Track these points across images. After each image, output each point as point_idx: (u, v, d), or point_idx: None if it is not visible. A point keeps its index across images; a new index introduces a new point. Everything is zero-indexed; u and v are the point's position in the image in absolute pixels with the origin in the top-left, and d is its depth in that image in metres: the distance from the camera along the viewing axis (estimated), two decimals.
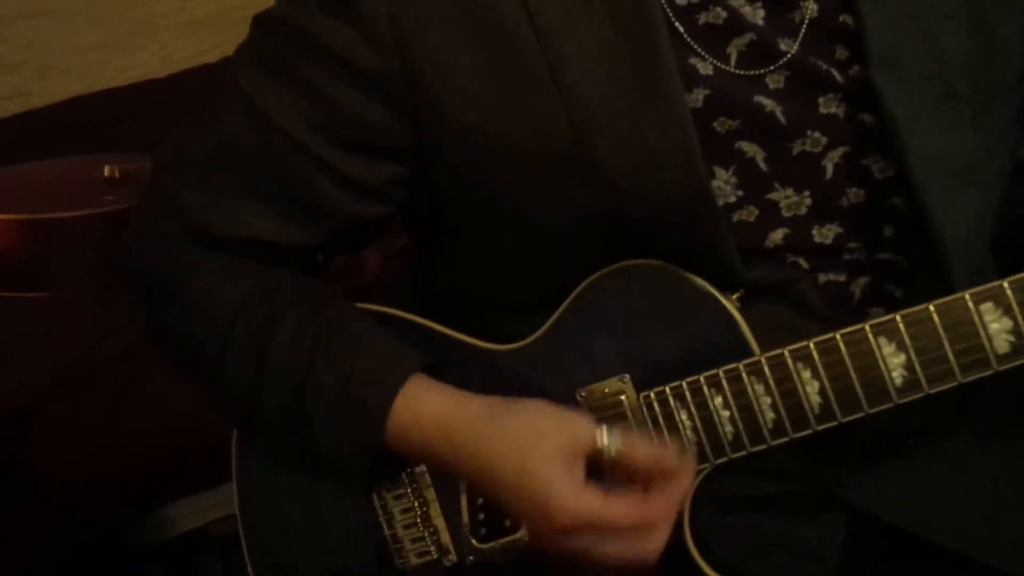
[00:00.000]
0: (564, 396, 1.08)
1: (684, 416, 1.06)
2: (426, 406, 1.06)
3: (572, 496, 1.00)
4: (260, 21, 1.12)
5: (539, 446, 1.01)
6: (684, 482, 1.02)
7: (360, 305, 1.16)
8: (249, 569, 1.22)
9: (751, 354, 1.04)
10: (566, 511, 0.99)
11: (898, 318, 1.00)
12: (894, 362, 1.01)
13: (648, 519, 1.00)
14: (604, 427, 1.02)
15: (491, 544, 1.13)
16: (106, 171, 2.19)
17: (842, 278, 1.10)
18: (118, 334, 1.93)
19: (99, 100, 2.73)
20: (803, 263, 1.09)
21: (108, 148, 2.44)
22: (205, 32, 2.90)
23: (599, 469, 1.02)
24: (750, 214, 1.08)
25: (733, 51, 1.07)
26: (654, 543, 1.01)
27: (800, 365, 1.02)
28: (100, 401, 1.86)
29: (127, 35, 2.85)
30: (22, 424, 1.83)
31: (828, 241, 1.09)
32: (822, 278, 1.09)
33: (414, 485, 1.15)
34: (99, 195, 2.14)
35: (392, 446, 1.07)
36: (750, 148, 1.07)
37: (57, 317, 2.01)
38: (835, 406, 1.02)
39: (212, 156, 1.11)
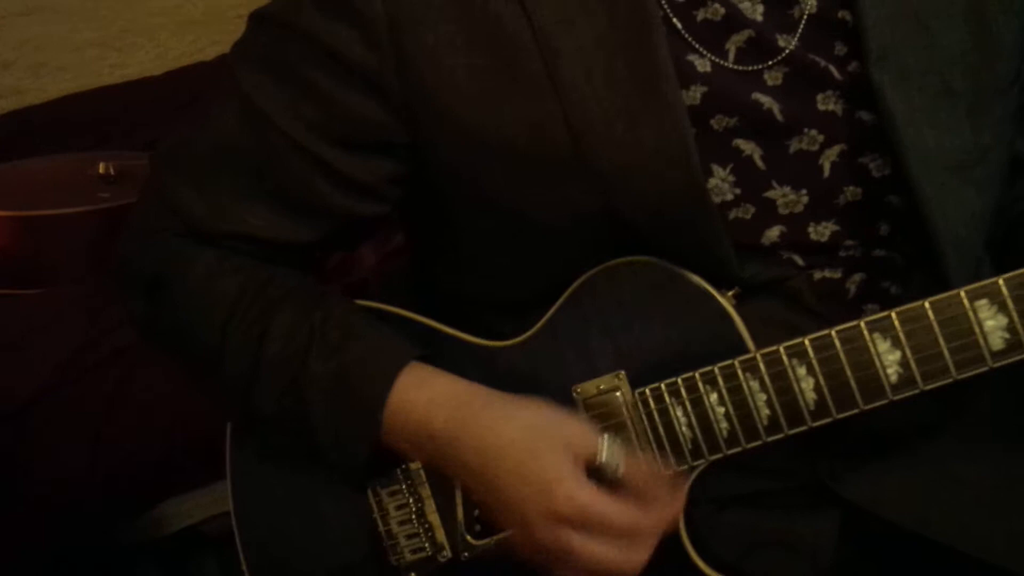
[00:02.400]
0: (560, 393, 1.08)
1: (679, 413, 1.06)
2: (431, 387, 1.07)
3: (577, 486, 1.00)
4: (257, 19, 1.12)
5: (550, 433, 1.02)
6: (675, 508, 1.03)
7: (356, 301, 1.16)
8: (244, 566, 1.22)
9: (746, 350, 1.04)
10: (571, 499, 1.00)
11: (893, 315, 1.00)
12: (889, 359, 1.01)
13: (642, 528, 1.01)
14: (606, 438, 1.02)
15: (486, 541, 1.13)
16: (101, 168, 2.19)
17: (837, 275, 1.10)
18: (114, 332, 1.93)
19: (94, 98, 2.73)
20: (798, 260, 1.09)
21: (103, 146, 2.44)
22: (201, 30, 2.89)
23: (591, 476, 1.02)
24: (746, 212, 1.07)
25: (731, 48, 1.07)
26: (638, 556, 1.01)
27: (795, 361, 1.02)
28: (96, 399, 1.85)
29: (123, 33, 2.84)
30: (17, 423, 1.83)
31: (824, 239, 1.09)
32: (817, 275, 1.09)
33: (409, 482, 1.15)
34: (94, 192, 2.14)
35: (389, 431, 1.07)
36: (747, 146, 1.07)
37: (53, 315, 2.01)
38: (830, 402, 1.02)
39: (209, 154, 1.12)
